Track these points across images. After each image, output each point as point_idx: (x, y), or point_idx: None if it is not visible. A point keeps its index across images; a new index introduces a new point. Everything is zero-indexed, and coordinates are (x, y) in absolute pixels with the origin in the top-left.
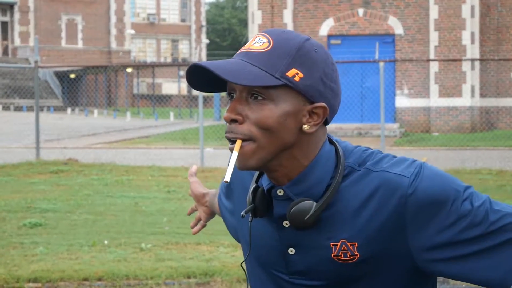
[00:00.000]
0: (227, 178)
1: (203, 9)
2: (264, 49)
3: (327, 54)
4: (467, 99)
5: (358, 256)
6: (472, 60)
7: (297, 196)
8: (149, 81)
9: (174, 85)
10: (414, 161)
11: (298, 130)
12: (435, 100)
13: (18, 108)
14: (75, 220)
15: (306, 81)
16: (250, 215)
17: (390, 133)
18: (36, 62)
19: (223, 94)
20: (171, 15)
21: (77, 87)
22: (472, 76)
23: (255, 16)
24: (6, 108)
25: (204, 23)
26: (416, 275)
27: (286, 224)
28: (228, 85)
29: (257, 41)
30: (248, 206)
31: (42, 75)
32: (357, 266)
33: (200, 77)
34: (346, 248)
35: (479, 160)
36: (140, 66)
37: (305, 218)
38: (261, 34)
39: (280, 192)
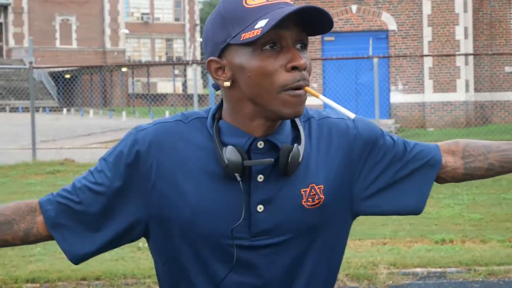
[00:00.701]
0: (352, 115)
1: (197, 8)
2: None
3: None
4: (461, 94)
5: (323, 199)
6: (466, 55)
7: (281, 144)
8: (144, 81)
9: (169, 84)
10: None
11: None
12: (430, 96)
13: (14, 109)
14: None
15: None
16: (238, 175)
17: (385, 129)
18: (30, 63)
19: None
20: (165, 14)
21: (72, 87)
22: (466, 71)
23: None
24: (1, 109)
25: (198, 21)
26: (349, 220)
27: (260, 178)
28: (273, 33)
29: None
30: (236, 167)
31: (37, 76)
32: (321, 210)
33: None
34: (314, 192)
35: None
36: (135, 66)
37: (300, 160)
38: None
39: (260, 145)
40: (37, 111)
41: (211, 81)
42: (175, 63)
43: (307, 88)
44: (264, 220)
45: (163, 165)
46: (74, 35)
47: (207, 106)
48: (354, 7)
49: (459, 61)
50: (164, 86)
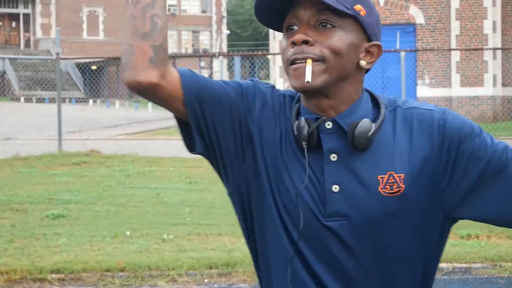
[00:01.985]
0: (308, 78)
1: (224, 0)
2: None
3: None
4: (489, 88)
5: (403, 188)
6: (494, 49)
7: (348, 126)
8: None
9: None
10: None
11: (356, 64)
12: (457, 90)
13: (40, 100)
14: (97, 212)
15: (368, 19)
16: (304, 143)
17: None
18: (57, 54)
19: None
20: (192, 6)
21: (99, 78)
22: (493, 66)
23: None
24: (28, 100)
25: (224, 14)
26: (439, 215)
27: (334, 157)
28: (290, 16)
29: None
30: (303, 137)
31: (63, 67)
32: (400, 200)
33: (266, 8)
34: (393, 180)
35: None
36: None
37: (369, 135)
38: None
39: (328, 125)
40: (64, 102)
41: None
42: (202, 55)
43: (308, 60)
44: (339, 201)
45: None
46: (101, 26)
47: None
48: (382, 0)
49: (487, 55)
50: None
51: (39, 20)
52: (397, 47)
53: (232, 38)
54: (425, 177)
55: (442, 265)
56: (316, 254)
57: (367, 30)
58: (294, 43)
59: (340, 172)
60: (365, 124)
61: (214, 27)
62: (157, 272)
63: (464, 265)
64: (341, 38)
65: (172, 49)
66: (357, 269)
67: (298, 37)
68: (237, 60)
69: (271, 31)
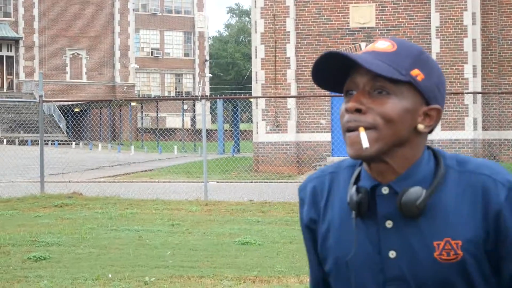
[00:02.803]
0: (366, 144)
1: (207, 44)
2: (389, 49)
3: (439, 67)
4: (469, 132)
5: (461, 255)
6: (474, 93)
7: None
8: (153, 115)
9: (178, 119)
10: (505, 170)
11: (412, 129)
12: (438, 133)
13: (23, 142)
14: (79, 254)
15: (426, 83)
16: (354, 214)
17: None
18: (40, 96)
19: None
20: (175, 49)
21: (82, 121)
22: (474, 109)
23: (258, 51)
24: (11, 142)
25: (207, 57)
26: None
27: (389, 224)
28: (349, 81)
29: (380, 44)
30: (353, 206)
31: (47, 109)
32: (459, 266)
33: (326, 70)
34: (449, 247)
35: None
36: (144, 100)
37: (417, 203)
38: (382, 39)
39: (385, 190)
40: (46, 144)
41: (219, 116)
42: (184, 98)
43: (361, 128)
44: (396, 267)
45: (315, 209)
46: (84, 69)
47: (215, 142)
48: (363, 45)
49: (468, 99)
50: (173, 120)
51: (22, 62)
52: None
53: (215, 81)
54: (479, 243)
55: None
56: None
57: (424, 94)
58: (348, 111)
59: (396, 239)
60: (414, 191)
61: (197, 70)
62: None
63: None
64: (394, 105)
65: (155, 92)
66: None
67: (351, 105)
68: (219, 103)
69: (253, 73)
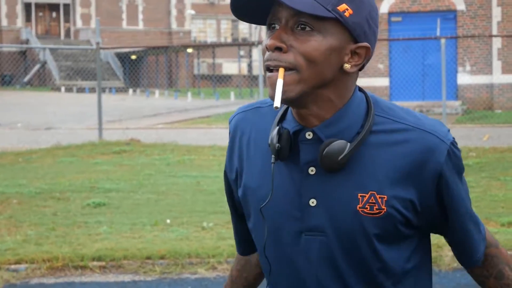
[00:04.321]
0: (277, 103)
1: None
2: None
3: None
4: None
5: (385, 210)
6: None
7: (327, 139)
8: (209, 62)
9: (235, 65)
10: (447, 129)
11: (338, 68)
12: (498, 77)
13: (81, 90)
14: (138, 200)
15: (355, 18)
16: (273, 157)
17: (452, 111)
18: (97, 44)
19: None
20: None
21: (138, 68)
22: None
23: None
24: (69, 90)
25: None
26: (425, 235)
27: (312, 170)
28: (271, 14)
29: None
30: (273, 149)
31: (103, 56)
32: (380, 221)
33: (245, 3)
34: (374, 201)
35: None
36: (201, 47)
37: (339, 158)
38: None
39: (309, 135)
40: (104, 91)
41: None
42: (241, 44)
43: (281, 69)
44: (316, 216)
45: (239, 145)
46: (140, 16)
47: None
48: None
49: None
50: (230, 67)
51: (79, 10)
52: (438, 34)
53: None
54: (407, 201)
55: None
56: (297, 265)
57: (352, 31)
58: (267, 48)
59: (318, 186)
60: (336, 146)
61: None
62: (197, 259)
63: None
64: (318, 43)
65: (211, 38)
66: (337, 282)
67: (271, 43)
68: None
69: None
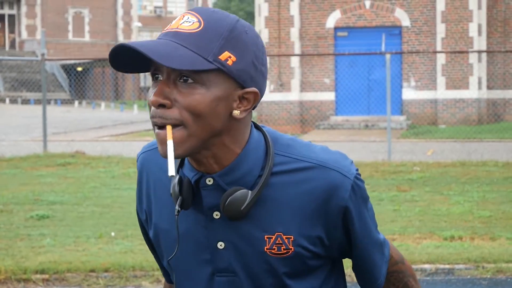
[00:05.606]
0: (172, 172)
1: (210, 2)
2: (194, 29)
3: (257, 36)
4: (474, 91)
5: (292, 250)
6: (479, 52)
7: (229, 186)
8: None
9: None
10: (350, 161)
11: (228, 116)
12: (442, 92)
13: (26, 101)
14: (82, 212)
15: (239, 65)
16: (177, 209)
17: (397, 126)
18: (43, 55)
19: None
20: (178, 8)
21: (84, 80)
22: (479, 68)
23: (262, 9)
24: (13, 101)
25: None
26: (337, 262)
27: (217, 215)
28: (154, 66)
29: (186, 21)
30: (176, 198)
31: (49, 68)
32: (290, 261)
33: (125, 58)
34: (281, 242)
35: (486, 152)
36: None
37: (242, 208)
38: (189, 13)
39: (209, 181)
40: (49, 103)
41: None
42: None
43: (168, 127)
44: (226, 258)
45: (146, 187)
46: (86, 28)
47: None
48: (367, 3)
49: (472, 58)
50: None
51: (24, 21)
52: (383, 49)
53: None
54: (315, 238)
55: (425, 266)
56: None
57: (237, 78)
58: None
59: (224, 230)
60: (238, 197)
61: None
62: (142, 272)
63: (447, 266)
64: (202, 96)
65: None
66: None
67: (154, 99)
68: None
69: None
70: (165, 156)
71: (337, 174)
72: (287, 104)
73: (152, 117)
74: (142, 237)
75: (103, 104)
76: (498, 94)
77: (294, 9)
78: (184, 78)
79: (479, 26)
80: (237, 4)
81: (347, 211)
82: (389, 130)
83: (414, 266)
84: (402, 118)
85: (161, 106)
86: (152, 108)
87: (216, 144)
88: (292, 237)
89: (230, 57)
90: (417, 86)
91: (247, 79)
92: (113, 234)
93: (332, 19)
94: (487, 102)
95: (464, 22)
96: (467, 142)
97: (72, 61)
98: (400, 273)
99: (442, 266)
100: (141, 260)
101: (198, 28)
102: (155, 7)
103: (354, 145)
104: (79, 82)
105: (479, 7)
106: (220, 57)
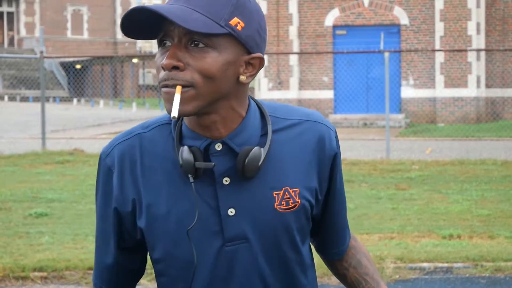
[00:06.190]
0: (175, 113)
1: None
2: None
3: (258, 5)
4: (472, 89)
5: (299, 203)
6: (478, 50)
7: (239, 147)
8: (154, 72)
9: None
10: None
11: (235, 80)
12: (441, 91)
13: (24, 99)
14: (81, 210)
15: (247, 31)
16: (191, 176)
17: (396, 124)
18: (41, 52)
19: None
20: None
21: (83, 77)
22: (477, 67)
23: (261, 7)
24: (12, 98)
25: None
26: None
27: (226, 181)
28: (163, 32)
29: None
30: (188, 168)
31: (47, 65)
32: (297, 214)
33: (137, 23)
34: (288, 196)
35: (484, 151)
36: (146, 57)
37: (259, 164)
38: None
39: (218, 147)
40: (48, 101)
41: None
42: None
43: (178, 87)
44: (236, 225)
45: (131, 175)
46: (85, 26)
47: None
48: (366, 1)
49: (471, 56)
50: None
51: (23, 18)
52: (381, 48)
53: None
54: (313, 190)
55: (423, 264)
56: (222, 280)
57: (245, 44)
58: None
59: (235, 195)
60: (255, 154)
61: None
62: None
63: (445, 264)
64: (213, 60)
65: (156, 48)
66: (260, 283)
67: (167, 62)
68: None
69: None
70: (170, 110)
71: (322, 126)
72: (285, 102)
73: (163, 80)
74: None
75: (101, 101)
76: (496, 92)
77: (293, 7)
78: (195, 42)
79: (478, 24)
80: None
81: (336, 158)
82: (388, 128)
83: (412, 265)
84: (400, 116)
85: (174, 68)
86: (163, 71)
87: (225, 107)
88: (297, 189)
89: (239, 23)
90: (415, 85)
91: (253, 45)
92: None
93: (331, 17)
94: (485, 101)
95: (463, 21)
96: (465, 140)
97: (71, 59)
98: (352, 249)
99: (440, 264)
100: None
101: None
102: (154, 4)
103: (353, 143)
104: (77, 80)
105: (478, 6)
106: (230, 22)
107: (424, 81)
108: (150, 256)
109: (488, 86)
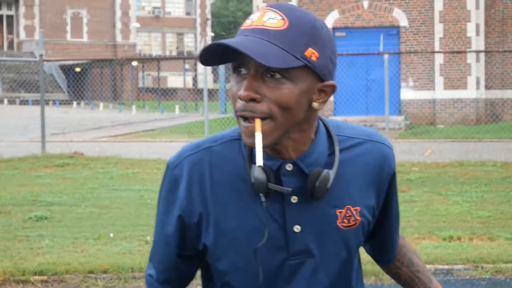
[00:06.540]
0: (260, 162)
1: (208, 2)
2: (280, 27)
3: (329, 31)
4: (472, 91)
5: (360, 221)
6: (477, 52)
7: (309, 168)
8: (154, 75)
9: (180, 78)
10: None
11: (308, 107)
12: (440, 92)
13: (24, 102)
14: (81, 213)
15: (321, 61)
16: (262, 196)
17: (395, 126)
18: (41, 55)
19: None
20: (176, 8)
21: (83, 80)
22: (477, 68)
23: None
24: (11, 102)
25: (209, 16)
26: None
27: (294, 199)
28: (240, 60)
29: (270, 17)
30: (260, 188)
31: (47, 68)
32: (356, 231)
33: (215, 54)
34: (350, 214)
35: (484, 152)
36: (146, 60)
37: (328, 186)
38: (270, 10)
39: (289, 167)
40: (47, 104)
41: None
42: (186, 58)
43: (257, 121)
44: (301, 240)
45: (200, 188)
46: (85, 28)
47: (216, 101)
48: (365, 3)
49: (470, 58)
50: (175, 80)
51: (22, 22)
52: (381, 49)
53: (217, 40)
54: (371, 208)
55: None
56: None
57: (319, 72)
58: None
59: (301, 213)
60: (325, 176)
61: (199, 29)
62: (140, 274)
63: (446, 266)
64: (290, 91)
65: (156, 51)
66: None
67: (246, 94)
68: None
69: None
70: (252, 146)
71: (383, 146)
72: None
73: (241, 110)
74: (140, 238)
75: (101, 104)
76: (496, 94)
77: None
78: (271, 73)
79: (477, 26)
80: (235, 4)
81: (393, 177)
82: (388, 130)
83: None
84: (400, 118)
85: (251, 100)
86: (240, 101)
87: (297, 132)
88: (359, 208)
89: (313, 53)
90: (415, 86)
91: (326, 73)
92: (111, 235)
93: (330, 19)
94: (485, 102)
95: (462, 22)
96: (465, 142)
97: (71, 62)
98: (403, 248)
99: (441, 266)
100: (140, 261)
101: (283, 25)
102: (153, 7)
103: None
104: (77, 83)
105: (477, 7)
106: (305, 53)
107: (423, 83)
108: (213, 266)
109: (487, 87)
